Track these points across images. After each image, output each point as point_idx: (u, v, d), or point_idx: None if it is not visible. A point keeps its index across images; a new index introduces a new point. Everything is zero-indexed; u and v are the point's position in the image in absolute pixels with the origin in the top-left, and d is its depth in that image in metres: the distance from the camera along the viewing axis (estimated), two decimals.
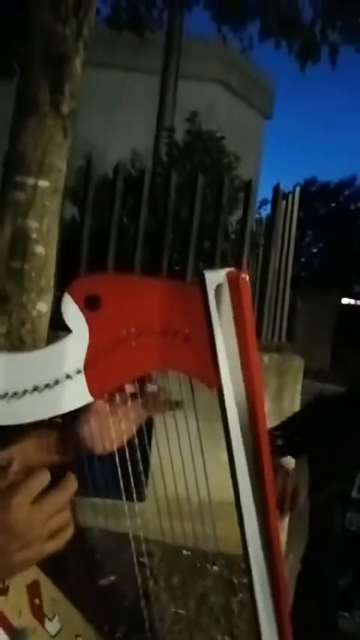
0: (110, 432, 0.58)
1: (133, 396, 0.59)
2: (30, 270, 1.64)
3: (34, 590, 0.63)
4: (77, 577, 0.69)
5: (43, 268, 1.66)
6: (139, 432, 0.61)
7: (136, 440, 0.61)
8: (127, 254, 2.39)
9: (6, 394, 0.53)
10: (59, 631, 0.62)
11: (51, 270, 1.71)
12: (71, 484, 0.51)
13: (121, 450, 0.59)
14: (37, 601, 0.62)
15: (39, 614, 0.61)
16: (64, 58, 1.62)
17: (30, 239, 1.64)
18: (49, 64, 1.62)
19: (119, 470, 0.59)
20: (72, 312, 0.54)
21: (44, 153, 1.66)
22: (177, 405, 0.62)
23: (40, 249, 1.65)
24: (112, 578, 2.00)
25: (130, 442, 0.60)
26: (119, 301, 0.55)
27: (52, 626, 0.62)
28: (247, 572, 0.57)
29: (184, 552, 2.24)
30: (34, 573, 0.66)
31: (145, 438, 0.63)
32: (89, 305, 0.54)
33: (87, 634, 0.67)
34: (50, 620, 0.62)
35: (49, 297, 1.69)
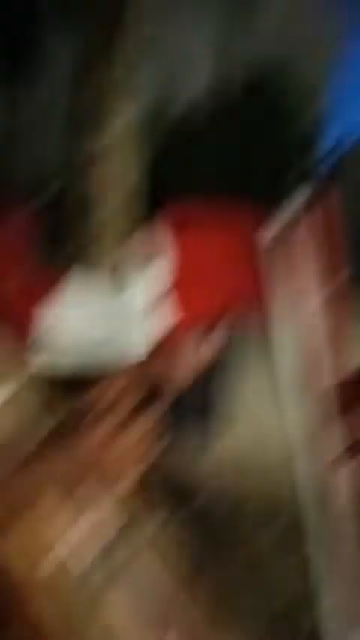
0: (190, 364, 0.61)
1: (209, 332, 0.61)
2: (106, 220, 1.66)
3: (121, 519, 0.69)
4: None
5: (119, 218, 1.67)
6: (211, 376, 0.63)
7: (207, 385, 0.63)
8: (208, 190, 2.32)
9: (79, 341, 0.56)
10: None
11: (127, 218, 1.72)
12: (149, 419, 0.55)
13: (193, 393, 0.61)
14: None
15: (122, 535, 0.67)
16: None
17: (105, 189, 1.65)
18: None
19: (191, 411, 0.61)
20: (160, 240, 0.55)
21: (112, 99, 1.64)
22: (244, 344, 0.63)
23: (115, 198, 1.66)
24: (184, 513, 2.12)
25: (202, 386, 0.62)
26: (204, 230, 0.56)
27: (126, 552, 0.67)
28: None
29: (251, 503, 2.31)
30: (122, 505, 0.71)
31: (216, 383, 0.64)
32: (176, 233, 0.55)
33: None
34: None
35: (127, 242, 1.71)
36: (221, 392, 0.66)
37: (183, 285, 0.56)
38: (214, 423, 0.65)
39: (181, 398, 0.64)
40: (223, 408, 0.67)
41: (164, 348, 0.62)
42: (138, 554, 0.61)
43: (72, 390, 0.58)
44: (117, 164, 1.69)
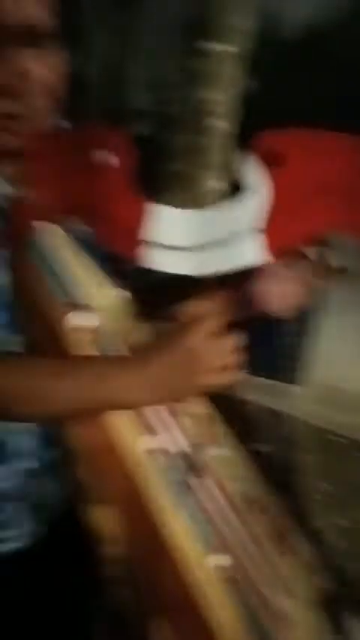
0: (286, 293, 0.62)
1: (308, 260, 0.61)
2: (209, 144, 1.64)
3: (208, 420, 0.75)
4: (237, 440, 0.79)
5: (221, 143, 1.65)
6: (304, 315, 0.63)
7: (298, 323, 0.63)
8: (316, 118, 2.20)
9: (189, 248, 0.58)
10: (225, 456, 0.74)
11: (230, 145, 1.68)
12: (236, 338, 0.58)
13: (283, 330, 0.62)
14: (209, 428, 0.74)
15: (211, 438, 0.73)
16: None
17: (210, 111, 1.62)
18: None
19: (280, 351, 0.62)
20: (254, 169, 0.55)
21: (227, 13, 1.55)
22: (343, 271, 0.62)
23: (220, 123, 1.63)
24: (266, 446, 2.20)
25: (292, 324, 0.63)
26: (303, 159, 0.54)
27: (220, 451, 0.74)
28: None
29: (340, 440, 2.31)
30: (209, 408, 0.77)
31: (309, 321, 0.64)
32: (272, 162, 0.54)
33: (246, 465, 0.79)
34: (219, 446, 0.74)
35: (226, 175, 1.70)
36: (313, 327, 0.65)
37: (282, 213, 0.56)
38: (303, 358, 0.65)
39: (273, 327, 0.65)
40: (313, 343, 0.67)
41: (262, 273, 0.63)
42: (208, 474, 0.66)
43: (174, 296, 0.62)
44: (225, 85, 1.63)
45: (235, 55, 1.63)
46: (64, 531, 0.70)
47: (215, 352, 0.57)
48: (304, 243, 0.59)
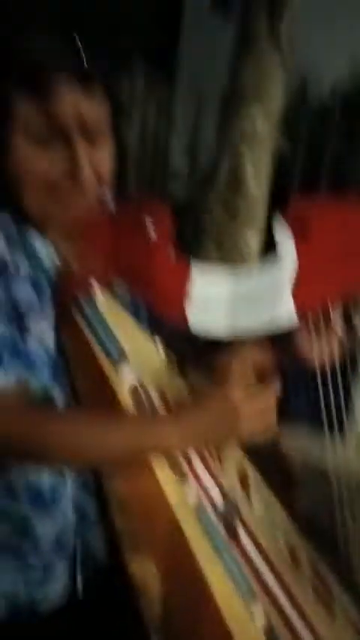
0: (319, 348, 0.64)
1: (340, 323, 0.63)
2: (244, 204, 1.73)
3: (243, 473, 0.76)
4: (277, 492, 0.80)
5: (255, 203, 1.73)
6: (344, 364, 0.65)
7: (340, 373, 0.65)
8: (343, 183, 2.27)
9: (226, 309, 0.63)
10: (262, 511, 0.74)
11: (263, 203, 1.77)
12: (274, 391, 0.61)
13: (325, 379, 0.64)
14: (245, 482, 0.75)
15: (247, 492, 0.74)
16: None
17: (245, 173, 1.72)
18: None
19: (322, 399, 0.64)
20: (284, 234, 0.60)
21: (262, 85, 1.68)
22: None
23: (253, 184, 1.72)
24: (309, 501, 2.12)
25: (334, 373, 0.65)
26: (328, 225, 0.59)
27: (257, 506, 0.75)
28: None
29: None
30: (244, 462, 0.79)
31: (349, 372, 0.66)
32: (301, 227, 0.59)
33: (285, 521, 0.78)
34: (255, 501, 0.75)
35: (260, 232, 1.77)
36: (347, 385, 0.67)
37: (309, 277, 0.60)
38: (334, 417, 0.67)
39: (315, 378, 0.67)
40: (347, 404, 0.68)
41: (298, 329, 0.66)
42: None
43: (209, 353, 0.66)
44: (261, 150, 1.73)
45: (268, 120, 1.75)
46: (106, 585, 0.71)
47: (253, 407, 0.60)
48: (332, 304, 0.62)
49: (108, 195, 0.69)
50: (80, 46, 0.59)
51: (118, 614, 0.71)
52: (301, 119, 2.28)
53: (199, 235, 1.88)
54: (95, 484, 0.69)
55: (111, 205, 0.72)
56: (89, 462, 0.63)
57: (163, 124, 2.69)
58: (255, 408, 0.60)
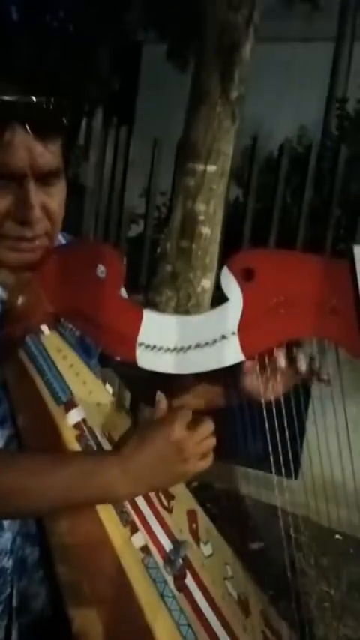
0: (266, 386, 0.66)
1: (289, 359, 0.66)
2: (197, 249, 1.79)
3: (192, 516, 0.75)
4: (229, 537, 0.79)
5: (208, 248, 1.79)
6: (292, 409, 0.67)
7: (289, 417, 0.67)
8: (289, 233, 2.40)
9: (175, 349, 0.64)
10: (211, 555, 0.73)
11: (215, 249, 1.83)
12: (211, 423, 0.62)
13: (275, 425, 0.66)
14: (194, 525, 0.74)
15: (195, 536, 0.73)
16: (235, 46, 1.70)
17: (198, 221, 1.78)
18: (221, 53, 1.72)
19: (273, 443, 0.66)
20: (229, 282, 0.62)
21: (213, 139, 1.77)
22: (326, 381, 0.67)
23: (206, 230, 1.79)
24: (262, 544, 2.11)
25: (284, 419, 0.66)
26: (272, 273, 0.62)
27: (206, 549, 0.74)
28: None
29: (337, 537, 2.23)
30: (193, 504, 0.78)
31: (298, 414, 0.68)
32: (245, 276, 0.62)
33: (235, 565, 0.78)
34: (204, 544, 0.74)
35: (213, 275, 1.82)
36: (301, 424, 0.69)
37: (254, 320, 0.62)
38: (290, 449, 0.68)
39: (264, 419, 0.68)
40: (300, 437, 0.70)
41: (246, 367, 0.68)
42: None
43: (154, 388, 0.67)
44: (213, 198, 1.81)
45: (220, 173, 1.84)
46: (45, 636, 0.67)
47: (194, 440, 0.60)
48: (275, 343, 0.64)
49: (59, 236, 0.70)
50: (37, 94, 0.61)
51: None
52: (252, 173, 2.41)
53: (155, 278, 1.92)
54: (38, 532, 0.67)
55: (62, 245, 0.72)
56: (27, 507, 0.60)
57: (120, 168, 2.77)
58: (196, 440, 0.61)
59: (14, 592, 0.68)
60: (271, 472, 0.68)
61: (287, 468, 0.67)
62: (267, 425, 0.66)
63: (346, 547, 2.23)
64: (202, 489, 0.79)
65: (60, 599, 0.59)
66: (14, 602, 0.68)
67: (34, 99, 0.59)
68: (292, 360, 0.66)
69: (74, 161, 2.86)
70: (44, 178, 0.62)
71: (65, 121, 0.64)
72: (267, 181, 2.64)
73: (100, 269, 0.64)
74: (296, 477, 0.68)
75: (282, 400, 0.68)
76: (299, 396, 0.71)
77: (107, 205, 2.82)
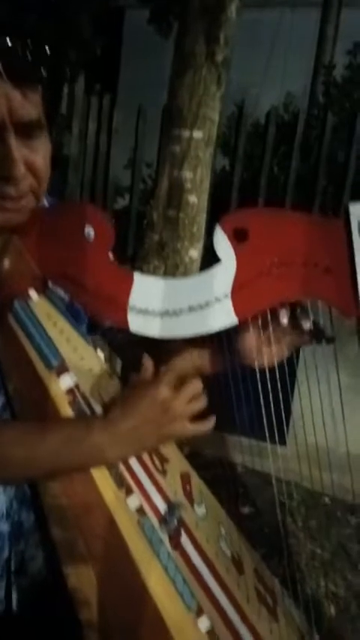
0: (262, 349, 0.66)
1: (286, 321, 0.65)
2: (184, 218, 1.76)
3: (186, 478, 0.76)
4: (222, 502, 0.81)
5: (195, 217, 1.77)
6: (284, 374, 0.67)
7: (280, 383, 0.67)
8: (276, 202, 2.38)
9: (166, 312, 0.63)
10: (205, 515, 0.75)
11: (202, 218, 1.81)
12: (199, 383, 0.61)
13: (264, 391, 0.66)
14: (188, 487, 0.75)
15: (189, 497, 0.74)
16: (220, 6, 1.64)
17: (184, 189, 1.75)
18: (205, 14, 1.66)
19: (263, 411, 0.66)
20: (222, 243, 0.61)
21: (199, 105, 1.73)
22: (328, 340, 0.66)
23: (193, 199, 1.76)
24: (253, 509, 2.16)
25: (274, 384, 0.66)
26: (265, 233, 0.61)
27: (200, 510, 0.74)
28: None
29: (325, 500, 2.29)
30: (186, 467, 0.79)
31: (289, 381, 0.68)
32: (237, 237, 0.61)
33: (228, 525, 0.79)
34: (198, 505, 0.75)
35: (200, 244, 1.81)
36: (289, 392, 0.69)
37: (247, 281, 0.61)
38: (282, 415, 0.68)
39: (256, 387, 0.68)
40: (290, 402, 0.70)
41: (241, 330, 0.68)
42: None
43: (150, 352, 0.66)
44: (200, 165, 1.78)
45: (205, 140, 1.80)
46: (43, 598, 0.68)
47: (181, 400, 0.60)
48: (268, 305, 0.63)
49: (44, 196, 0.67)
50: (18, 45, 0.58)
51: (55, 628, 0.67)
52: (238, 138, 2.37)
53: (142, 249, 1.90)
54: (32, 496, 0.67)
55: (47, 207, 0.70)
56: (17, 475, 0.60)
57: (104, 139, 2.70)
58: (183, 400, 0.61)
59: (12, 555, 0.68)
60: (262, 439, 0.68)
61: (276, 434, 0.67)
62: (256, 392, 0.66)
63: (334, 510, 2.30)
64: (194, 457, 0.79)
65: (57, 561, 0.60)
66: (12, 565, 0.68)
67: (9, 42, 0.56)
68: (294, 320, 0.65)
69: (57, 131, 2.78)
70: (25, 130, 0.59)
71: (44, 71, 0.61)
72: (253, 150, 2.61)
73: (88, 231, 0.63)
74: (286, 444, 0.68)
75: (271, 367, 0.68)
76: (289, 363, 0.71)
77: (92, 178, 2.75)
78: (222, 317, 0.63)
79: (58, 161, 2.74)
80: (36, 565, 0.70)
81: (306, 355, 0.71)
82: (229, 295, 0.62)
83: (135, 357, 0.70)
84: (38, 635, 0.70)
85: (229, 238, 0.61)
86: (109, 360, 0.73)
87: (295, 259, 0.60)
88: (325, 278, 0.60)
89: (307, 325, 0.65)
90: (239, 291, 0.62)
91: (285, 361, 0.70)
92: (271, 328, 0.65)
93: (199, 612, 0.58)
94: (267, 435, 0.66)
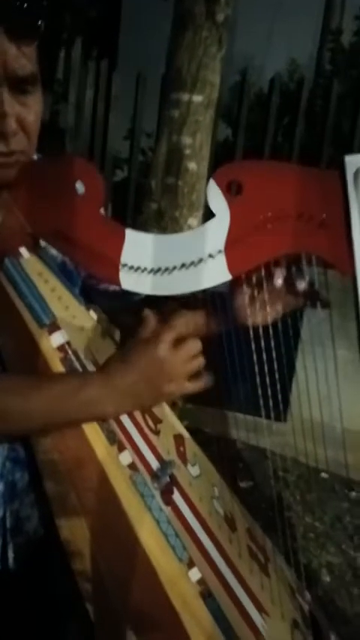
0: (256, 308, 0.65)
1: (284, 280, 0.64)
2: (183, 186, 1.73)
3: (179, 440, 0.76)
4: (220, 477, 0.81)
5: (195, 184, 1.74)
6: (282, 353, 0.66)
7: (279, 360, 0.66)
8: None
9: (159, 269, 0.62)
10: (199, 476, 0.75)
11: (202, 186, 1.78)
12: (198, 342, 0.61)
13: (264, 369, 0.65)
14: (181, 448, 0.75)
15: (183, 458, 0.74)
16: None
17: (183, 155, 1.71)
18: None
19: (263, 388, 0.65)
20: (216, 197, 0.60)
21: (199, 67, 1.68)
22: (324, 304, 0.65)
23: (192, 165, 1.72)
24: (251, 483, 2.19)
25: (273, 363, 0.65)
26: (259, 186, 0.59)
27: (193, 470, 0.75)
28: None
29: (323, 475, 2.33)
30: (180, 429, 0.79)
31: (288, 358, 0.67)
32: (231, 190, 0.59)
33: (222, 487, 0.80)
34: (192, 465, 0.75)
35: (200, 213, 1.78)
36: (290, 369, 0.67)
37: (241, 236, 0.60)
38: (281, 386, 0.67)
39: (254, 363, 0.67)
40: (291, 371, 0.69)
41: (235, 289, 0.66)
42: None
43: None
44: (200, 132, 1.73)
45: (205, 104, 1.75)
46: (39, 555, 0.69)
47: (179, 359, 0.60)
48: (263, 260, 0.62)
49: (34, 150, 0.66)
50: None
51: (51, 584, 0.69)
52: (241, 106, 2.31)
53: (140, 217, 1.87)
54: (27, 457, 0.67)
55: (36, 161, 0.68)
56: (13, 427, 0.60)
57: (101, 107, 2.63)
58: (182, 358, 0.60)
59: (7, 514, 0.69)
60: (261, 416, 0.68)
61: (277, 411, 0.67)
62: (256, 368, 0.65)
63: (331, 484, 2.33)
64: (194, 434, 0.79)
65: (52, 520, 0.61)
66: (8, 524, 0.69)
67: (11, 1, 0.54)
68: (289, 280, 0.64)
69: (52, 98, 2.71)
70: (19, 85, 0.58)
71: (41, 24, 0.59)
72: (257, 119, 2.55)
73: (79, 186, 0.61)
74: (285, 420, 0.68)
75: (272, 343, 0.67)
76: (289, 339, 0.70)
77: (89, 148, 2.70)
78: (215, 273, 0.62)
79: (54, 131, 2.68)
80: (31, 524, 0.71)
81: (305, 332, 0.70)
82: (223, 251, 0.61)
83: (128, 323, 0.69)
84: (34, 592, 0.72)
85: (223, 192, 0.60)
86: (102, 320, 0.72)
87: (290, 213, 0.59)
88: (321, 232, 0.59)
89: (301, 286, 0.64)
90: (233, 247, 0.60)
91: (286, 336, 0.68)
92: (265, 288, 0.64)
93: (191, 564, 0.59)
94: (266, 411, 0.65)
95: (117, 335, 0.79)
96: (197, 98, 1.71)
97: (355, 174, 0.56)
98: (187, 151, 1.75)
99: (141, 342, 0.61)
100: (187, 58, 1.69)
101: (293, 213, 0.59)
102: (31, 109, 0.60)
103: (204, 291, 0.63)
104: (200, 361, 0.62)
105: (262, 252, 0.61)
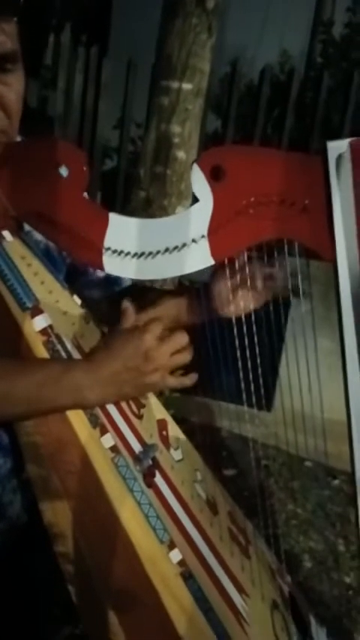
0: (236, 295, 0.65)
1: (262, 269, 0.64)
2: (172, 175, 1.73)
3: (162, 424, 0.77)
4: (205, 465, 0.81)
5: (183, 173, 1.73)
6: (266, 346, 0.66)
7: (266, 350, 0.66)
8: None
9: (142, 253, 0.62)
10: (181, 460, 0.76)
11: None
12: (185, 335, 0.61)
13: (249, 358, 0.65)
14: (164, 433, 0.76)
15: (165, 442, 0.75)
16: None
17: (172, 144, 1.71)
18: None
19: (246, 379, 0.65)
20: (199, 182, 0.60)
21: (188, 54, 1.67)
22: (304, 293, 0.66)
23: (181, 154, 1.72)
24: (235, 471, 2.22)
25: (258, 353, 0.65)
26: (243, 172, 0.59)
27: (176, 454, 0.76)
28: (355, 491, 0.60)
29: (307, 463, 2.36)
30: (164, 414, 0.79)
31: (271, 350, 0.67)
32: (215, 175, 0.59)
33: (204, 472, 0.80)
34: (175, 449, 0.76)
35: (188, 202, 1.77)
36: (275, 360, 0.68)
37: (224, 221, 0.60)
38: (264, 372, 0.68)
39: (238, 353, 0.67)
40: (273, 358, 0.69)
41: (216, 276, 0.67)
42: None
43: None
44: (189, 120, 1.72)
45: (195, 92, 1.75)
46: (22, 541, 0.69)
47: (165, 351, 0.60)
48: (245, 246, 0.62)
49: (16, 131, 0.65)
50: None
51: (34, 569, 0.69)
52: (232, 97, 2.29)
53: (129, 205, 1.86)
54: (9, 439, 0.67)
55: (19, 142, 0.68)
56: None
57: (91, 94, 2.60)
58: (167, 351, 0.60)
59: None
60: (245, 406, 0.68)
61: (261, 401, 0.67)
62: (244, 360, 0.65)
63: (314, 473, 2.37)
64: (179, 423, 0.80)
65: (35, 506, 0.61)
66: None
67: None
68: (270, 268, 0.65)
69: (40, 84, 2.67)
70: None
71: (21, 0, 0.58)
72: (247, 110, 2.54)
73: (63, 169, 0.61)
74: (269, 410, 0.68)
75: (256, 332, 0.67)
76: (273, 329, 0.70)
77: (78, 137, 2.67)
78: (198, 258, 0.62)
79: (42, 119, 2.64)
80: (14, 510, 0.71)
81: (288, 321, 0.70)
82: (206, 236, 0.61)
83: (112, 314, 0.69)
84: (17, 577, 0.72)
85: (207, 177, 0.60)
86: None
87: (272, 198, 0.59)
88: (303, 218, 0.59)
89: (278, 275, 0.65)
90: (216, 232, 0.61)
91: (273, 328, 0.69)
92: (246, 274, 0.65)
93: (172, 546, 0.60)
94: (250, 401, 0.65)
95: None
96: (187, 86, 1.70)
97: (337, 159, 0.57)
98: (176, 140, 1.74)
99: (126, 332, 0.62)
100: (177, 45, 1.68)
101: (276, 198, 0.60)
102: (11, 88, 0.60)
103: (187, 281, 0.63)
104: (186, 356, 0.62)
105: (245, 237, 0.61)
